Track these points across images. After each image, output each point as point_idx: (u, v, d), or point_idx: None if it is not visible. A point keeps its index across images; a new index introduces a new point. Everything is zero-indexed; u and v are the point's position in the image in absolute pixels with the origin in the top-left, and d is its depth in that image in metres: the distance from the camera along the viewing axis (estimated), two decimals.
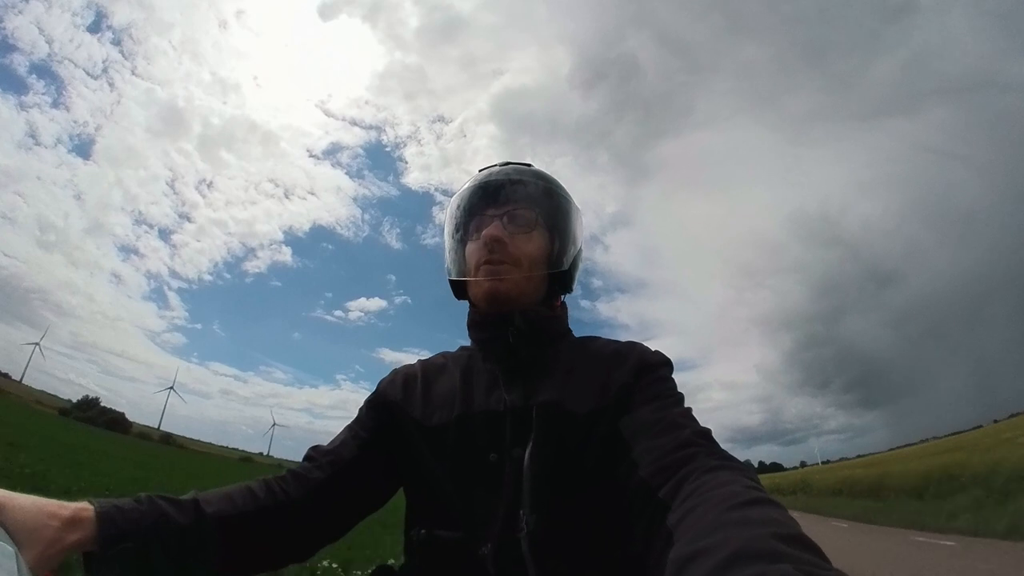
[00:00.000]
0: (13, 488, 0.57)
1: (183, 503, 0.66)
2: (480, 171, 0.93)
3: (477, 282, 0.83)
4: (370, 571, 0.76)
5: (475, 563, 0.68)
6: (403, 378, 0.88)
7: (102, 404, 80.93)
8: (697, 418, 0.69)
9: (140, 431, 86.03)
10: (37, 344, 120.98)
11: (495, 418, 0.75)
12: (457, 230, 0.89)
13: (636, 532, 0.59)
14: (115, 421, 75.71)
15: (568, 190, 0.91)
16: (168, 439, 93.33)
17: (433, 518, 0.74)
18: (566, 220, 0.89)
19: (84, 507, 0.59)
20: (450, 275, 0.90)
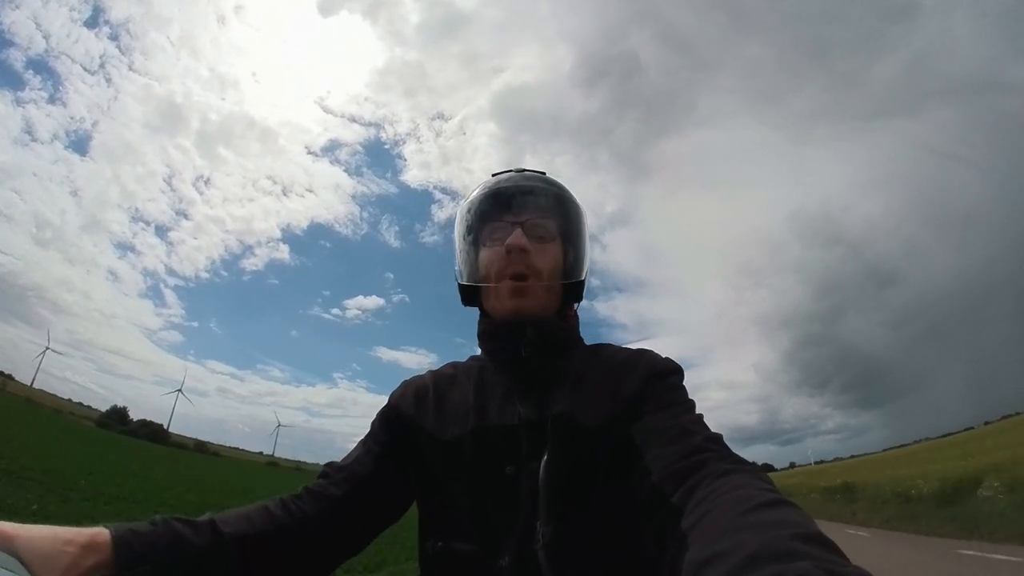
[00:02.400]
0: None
1: (199, 524, 0.64)
2: (494, 175, 0.88)
3: (499, 295, 0.79)
4: None
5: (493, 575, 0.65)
6: (415, 391, 0.83)
7: (119, 411, 79.29)
8: (708, 424, 0.67)
9: (175, 440, 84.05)
10: (48, 348, 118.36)
11: (510, 431, 0.72)
12: (471, 234, 0.84)
13: (648, 537, 0.57)
14: (156, 433, 74.07)
15: (575, 195, 0.88)
16: (203, 447, 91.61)
17: (448, 531, 0.71)
18: (579, 230, 0.85)
19: (100, 532, 0.57)
20: (461, 279, 0.84)
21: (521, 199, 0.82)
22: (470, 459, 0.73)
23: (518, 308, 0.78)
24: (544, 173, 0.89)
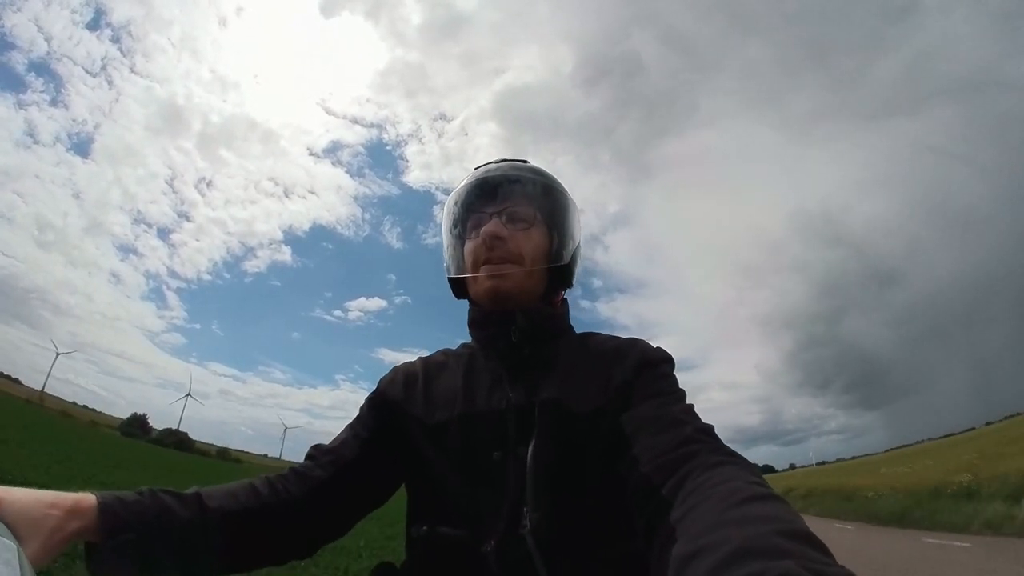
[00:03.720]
0: None
1: (186, 497, 0.64)
2: (476, 168, 0.87)
3: (478, 280, 0.79)
4: (372, 569, 0.72)
5: (478, 560, 0.65)
6: (404, 376, 0.83)
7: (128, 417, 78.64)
8: (699, 414, 0.66)
9: (197, 448, 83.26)
10: (58, 354, 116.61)
11: (498, 416, 0.72)
12: (455, 228, 0.85)
13: (638, 529, 0.56)
14: (182, 441, 73.50)
15: (566, 187, 0.87)
16: (224, 454, 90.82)
17: (435, 515, 0.70)
18: (564, 216, 0.84)
19: (86, 497, 0.57)
20: (449, 274, 0.85)
21: (501, 188, 0.81)
22: (457, 444, 0.72)
23: (495, 288, 0.77)
24: (526, 162, 0.88)
